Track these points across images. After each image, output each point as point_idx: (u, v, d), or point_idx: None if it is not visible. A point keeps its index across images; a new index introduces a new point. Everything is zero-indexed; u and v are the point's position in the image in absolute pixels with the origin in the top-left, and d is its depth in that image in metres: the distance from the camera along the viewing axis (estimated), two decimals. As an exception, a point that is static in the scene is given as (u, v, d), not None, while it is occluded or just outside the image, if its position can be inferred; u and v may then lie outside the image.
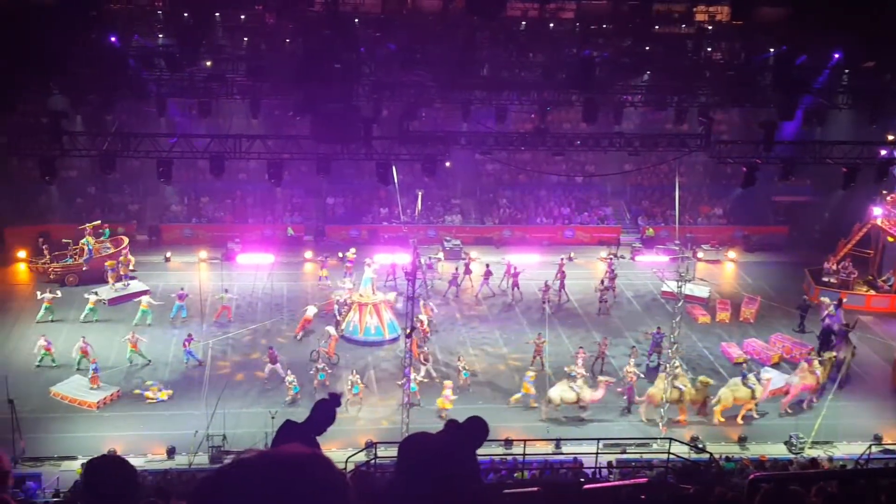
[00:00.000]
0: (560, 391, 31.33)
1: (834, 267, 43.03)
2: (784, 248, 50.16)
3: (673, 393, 30.94)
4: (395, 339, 36.41)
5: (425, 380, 32.82)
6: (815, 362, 32.98)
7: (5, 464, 4.59)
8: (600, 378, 32.20)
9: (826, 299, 38.48)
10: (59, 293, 38.35)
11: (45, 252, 42.00)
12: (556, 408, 31.30)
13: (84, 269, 41.04)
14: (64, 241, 42.45)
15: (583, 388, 31.33)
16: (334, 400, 3.74)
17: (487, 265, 42.58)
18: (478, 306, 41.16)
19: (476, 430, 4.13)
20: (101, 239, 42.45)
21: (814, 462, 25.93)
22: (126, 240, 43.30)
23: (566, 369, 32.76)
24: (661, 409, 30.58)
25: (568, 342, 36.89)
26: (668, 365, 31.19)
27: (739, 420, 31.59)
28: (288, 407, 30.70)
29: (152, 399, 31.61)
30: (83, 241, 41.46)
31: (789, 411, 32.22)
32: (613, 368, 34.36)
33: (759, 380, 32.25)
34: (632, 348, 34.91)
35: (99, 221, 43.36)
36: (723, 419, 31.56)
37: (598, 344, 35.38)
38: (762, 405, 32.19)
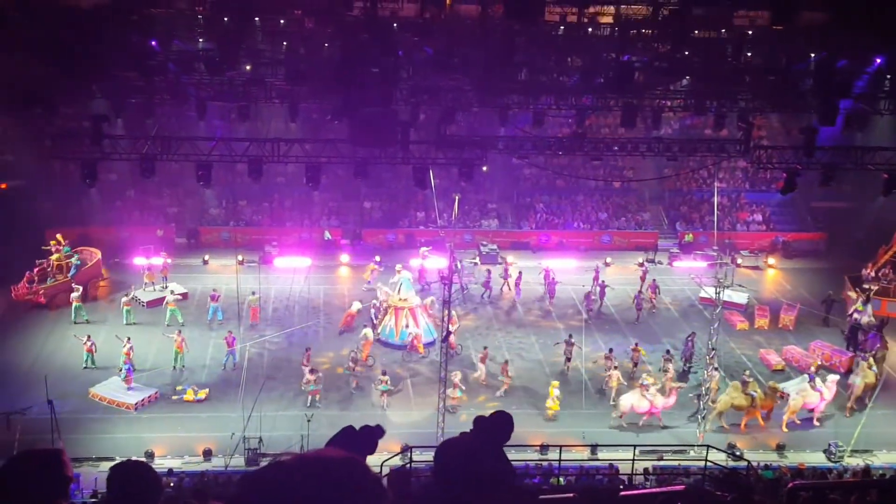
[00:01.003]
0: (632, 399, 31.06)
1: (872, 274, 42.46)
2: (823, 255, 49.69)
3: (745, 399, 30.83)
4: (430, 343, 36.38)
5: (484, 382, 33.42)
6: (871, 359, 32.79)
7: (69, 470, 4.50)
8: (671, 385, 31.92)
9: (853, 294, 38.00)
10: (80, 289, 38.65)
11: (29, 277, 39.58)
12: (623, 416, 31.15)
13: (73, 284, 39.60)
14: (37, 261, 40.58)
15: (656, 396, 31.03)
16: (379, 431, 3.73)
17: (520, 271, 42.52)
18: (513, 311, 41.10)
19: (500, 423, 4.12)
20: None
21: (866, 471, 25.61)
22: (98, 253, 42.50)
23: (643, 378, 32.18)
24: (699, 416, 30.38)
25: (604, 347, 36.68)
26: (706, 371, 30.92)
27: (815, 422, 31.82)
28: (319, 409, 31.00)
29: (191, 400, 31.92)
30: (53, 257, 40.37)
31: (858, 407, 32.17)
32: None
33: (824, 382, 32.04)
34: (667, 352, 34.69)
35: (59, 235, 41.28)
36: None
37: (631, 350, 35.24)
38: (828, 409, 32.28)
